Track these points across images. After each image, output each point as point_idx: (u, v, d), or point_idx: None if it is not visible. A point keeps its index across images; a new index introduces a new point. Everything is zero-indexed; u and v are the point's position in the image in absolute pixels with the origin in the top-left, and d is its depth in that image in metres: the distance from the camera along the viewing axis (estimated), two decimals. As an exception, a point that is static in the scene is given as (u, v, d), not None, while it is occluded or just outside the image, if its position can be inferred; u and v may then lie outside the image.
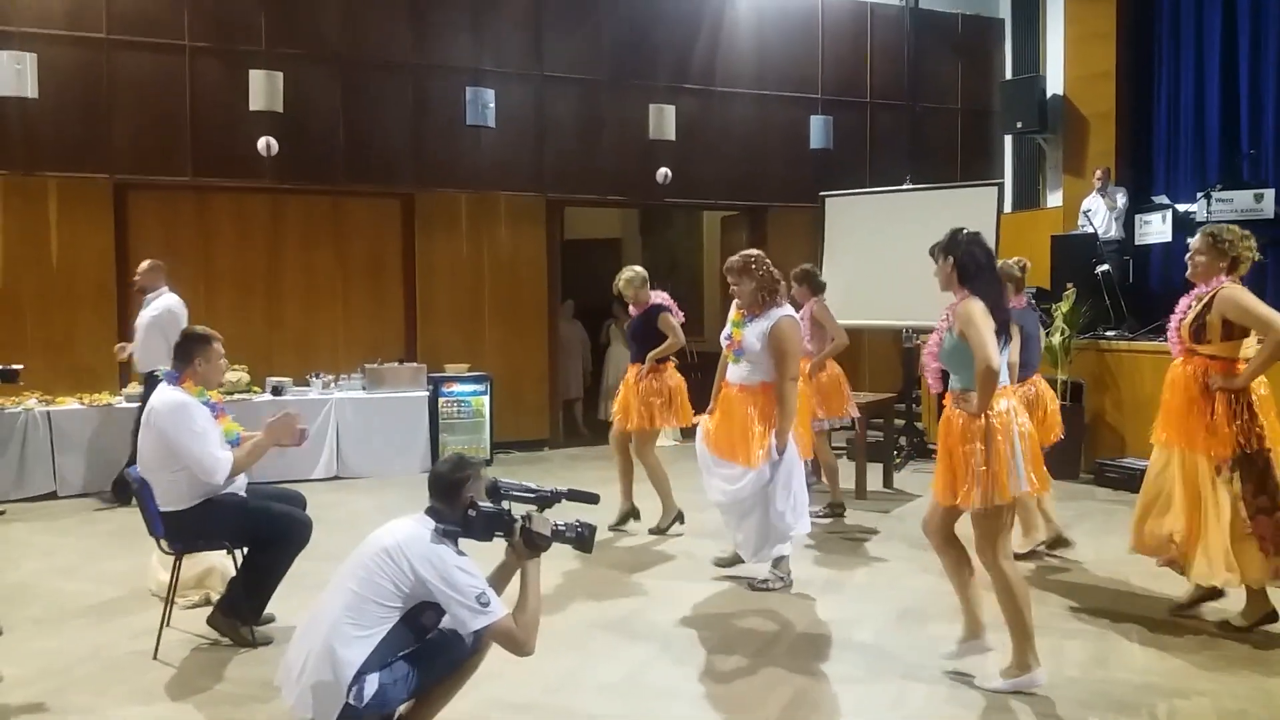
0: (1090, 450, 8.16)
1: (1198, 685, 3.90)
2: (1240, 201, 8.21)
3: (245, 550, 4.39)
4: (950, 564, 4.03)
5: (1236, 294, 4.31)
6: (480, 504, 3.21)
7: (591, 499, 3.46)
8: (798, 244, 10.26)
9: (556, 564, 5.35)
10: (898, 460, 8.45)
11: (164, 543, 4.34)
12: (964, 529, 3.93)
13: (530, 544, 3.21)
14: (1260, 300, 4.32)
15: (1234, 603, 4.57)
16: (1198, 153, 9.77)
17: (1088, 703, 3.74)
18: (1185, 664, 4.12)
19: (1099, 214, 9.51)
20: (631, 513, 6.53)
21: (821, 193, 10.03)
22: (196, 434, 4.18)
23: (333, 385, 8.78)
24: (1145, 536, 4.65)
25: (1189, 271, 4.54)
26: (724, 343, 5.25)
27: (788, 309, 5.15)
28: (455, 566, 3.05)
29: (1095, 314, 8.53)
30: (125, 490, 6.72)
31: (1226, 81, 9.47)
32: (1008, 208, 10.71)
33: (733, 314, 5.23)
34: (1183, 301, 4.58)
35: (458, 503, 3.19)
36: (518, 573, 3.26)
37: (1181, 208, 8.85)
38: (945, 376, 3.98)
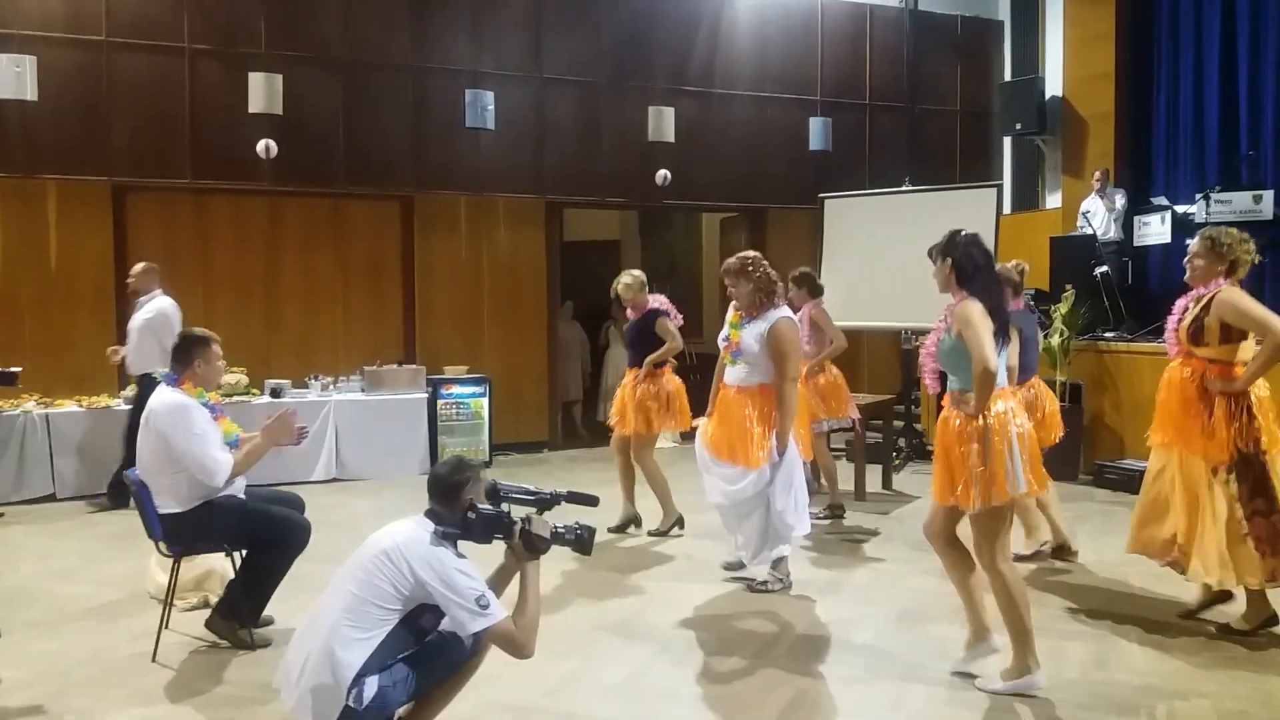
0: (1089, 451, 8.16)
1: (1198, 686, 3.90)
2: (1239, 203, 8.21)
3: (244, 553, 4.38)
4: (953, 567, 4.02)
5: (1234, 297, 4.31)
6: (480, 506, 3.21)
7: (591, 501, 3.46)
8: (797, 245, 10.27)
9: (556, 566, 5.35)
10: (897, 462, 8.45)
11: (163, 545, 4.34)
12: (965, 530, 3.93)
13: (530, 546, 3.21)
14: (1258, 302, 4.33)
15: (1236, 605, 4.57)
16: (1196, 154, 9.78)
17: (1087, 704, 3.74)
18: (1185, 665, 4.12)
19: (1098, 215, 9.51)
20: (634, 519, 6.52)
21: (821, 194, 10.03)
22: (196, 436, 4.18)
23: (332, 387, 8.77)
24: (1146, 541, 4.65)
25: (1187, 275, 4.54)
26: (721, 344, 5.25)
27: (785, 310, 5.15)
28: (455, 569, 3.05)
29: (1094, 315, 8.53)
30: (122, 493, 6.71)
31: (1225, 83, 9.48)
32: (1007, 209, 10.72)
33: (730, 315, 5.23)
34: (1180, 302, 4.58)
35: (457, 505, 3.19)
36: (517, 575, 3.26)
37: (1180, 209, 8.85)
38: (943, 377, 3.99)
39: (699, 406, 5.73)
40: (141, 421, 4.33)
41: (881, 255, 9.06)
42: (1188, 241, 4.80)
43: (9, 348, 7.95)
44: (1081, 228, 9.55)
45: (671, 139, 10.17)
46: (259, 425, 4.52)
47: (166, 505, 4.23)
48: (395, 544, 3.09)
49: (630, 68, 10.26)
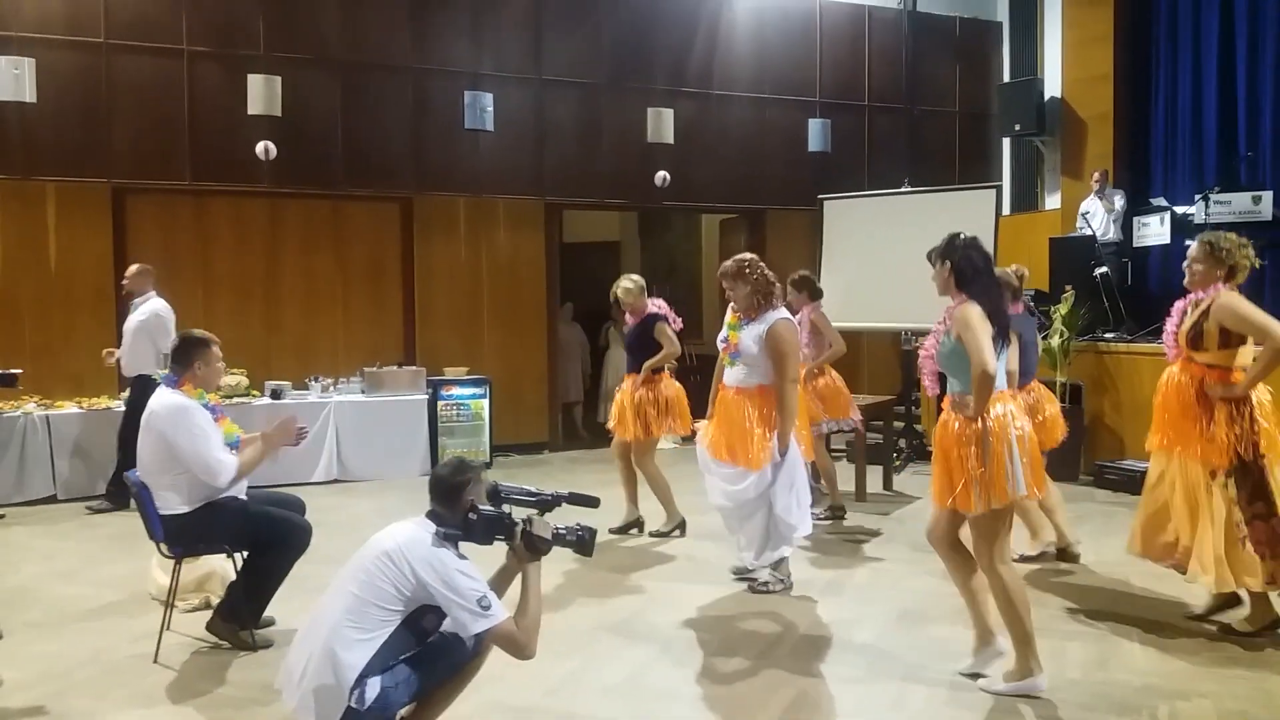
0: (1089, 452, 8.16)
1: (1199, 687, 3.90)
2: (1238, 204, 8.22)
3: (245, 554, 4.39)
4: (957, 571, 4.01)
5: (1234, 301, 4.31)
6: (481, 507, 3.21)
7: (592, 502, 3.46)
8: (796, 247, 10.28)
9: (557, 566, 5.36)
10: (897, 462, 8.45)
11: (164, 546, 4.34)
12: (967, 533, 3.93)
13: (531, 547, 3.21)
14: (1257, 307, 4.32)
15: (1243, 609, 4.55)
16: (1195, 155, 9.80)
17: (1089, 705, 3.74)
18: (1186, 665, 4.12)
19: (1097, 216, 9.52)
20: (637, 522, 6.51)
21: (820, 195, 10.03)
22: (198, 436, 4.18)
23: (332, 389, 8.78)
24: (1148, 546, 4.65)
25: (1186, 280, 4.54)
26: (720, 346, 5.25)
27: (783, 311, 5.16)
28: (456, 570, 3.05)
29: (1094, 316, 8.54)
30: (120, 494, 6.71)
31: (1224, 84, 9.49)
32: (1006, 210, 10.72)
33: (729, 317, 5.24)
34: (1178, 305, 4.58)
35: (458, 506, 3.19)
36: (519, 576, 3.26)
37: (1179, 210, 8.86)
38: (942, 379, 3.99)
39: (699, 408, 5.73)
40: (142, 423, 4.32)
41: (881, 256, 9.06)
42: (1187, 243, 4.81)
43: (9, 350, 7.96)
44: (1081, 229, 9.56)
45: (671, 140, 10.18)
46: (259, 427, 4.53)
47: (168, 506, 4.23)
48: (397, 545, 3.09)
49: (629, 69, 10.27)
